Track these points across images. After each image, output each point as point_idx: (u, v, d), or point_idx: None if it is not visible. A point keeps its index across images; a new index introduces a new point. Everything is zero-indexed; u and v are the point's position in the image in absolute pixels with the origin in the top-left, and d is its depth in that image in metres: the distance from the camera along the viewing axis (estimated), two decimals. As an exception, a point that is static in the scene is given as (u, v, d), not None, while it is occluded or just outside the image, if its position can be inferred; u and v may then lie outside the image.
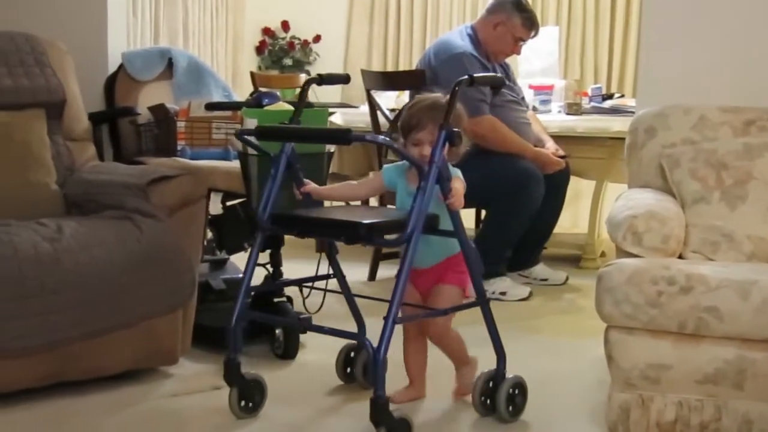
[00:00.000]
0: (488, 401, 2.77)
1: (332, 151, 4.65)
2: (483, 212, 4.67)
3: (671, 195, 2.94)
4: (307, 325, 3.00)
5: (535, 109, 4.88)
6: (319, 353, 3.30)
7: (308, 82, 2.89)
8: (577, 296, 4.43)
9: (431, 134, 2.62)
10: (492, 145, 4.25)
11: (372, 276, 4.63)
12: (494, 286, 4.27)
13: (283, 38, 7.32)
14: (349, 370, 3.04)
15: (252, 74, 6.20)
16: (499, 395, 2.73)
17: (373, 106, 4.55)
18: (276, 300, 3.32)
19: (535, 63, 5.30)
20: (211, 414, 2.77)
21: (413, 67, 4.87)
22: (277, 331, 3.26)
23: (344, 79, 2.98)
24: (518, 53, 4.53)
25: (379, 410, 2.41)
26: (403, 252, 2.49)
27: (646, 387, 2.51)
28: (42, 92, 3.41)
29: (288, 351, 3.25)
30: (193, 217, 3.10)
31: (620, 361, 2.53)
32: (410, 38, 7.29)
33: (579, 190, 5.28)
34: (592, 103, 5.04)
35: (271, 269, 3.34)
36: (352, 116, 5.10)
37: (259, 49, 7.30)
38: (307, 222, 2.70)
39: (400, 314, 2.52)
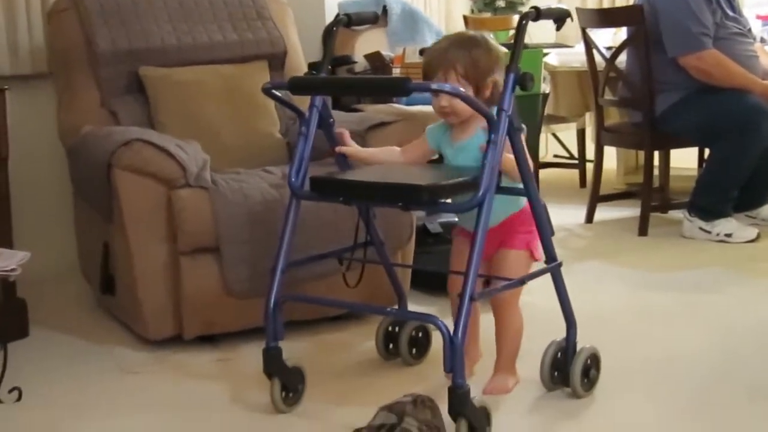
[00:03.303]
0: (556, 374, 2.48)
1: (547, 92, 4.62)
2: (706, 150, 4.48)
3: None
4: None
5: (763, 40, 4.63)
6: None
7: (524, 18, 2.33)
8: (810, 238, 4.20)
9: (442, 80, 2.36)
10: (716, 80, 4.08)
11: (590, 218, 4.56)
12: (719, 227, 4.12)
13: (496, -21, 7.24)
14: (391, 346, 2.76)
15: (465, 18, 6.19)
16: (575, 367, 2.44)
17: (589, 45, 4.44)
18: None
19: (764, -9, 5.00)
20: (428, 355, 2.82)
21: (631, 3, 4.71)
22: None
23: (564, 13, 2.50)
24: (744, -18, 4.30)
25: (460, 401, 2.11)
26: (476, 217, 2.17)
27: None
28: (265, 45, 3.56)
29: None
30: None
31: None
32: (627, -28, 7.05)
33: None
34: (828, 32, 4.72)
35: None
36: (568, 56, 5.00)
37: (472, -8, 7.27)
38: (354, 186, 2.34)
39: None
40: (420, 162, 2.59)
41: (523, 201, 2.45)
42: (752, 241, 4.11)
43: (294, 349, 2.68)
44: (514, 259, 2.47)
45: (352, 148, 2.57)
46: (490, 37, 2.57)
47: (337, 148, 2.54)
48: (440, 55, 2.42)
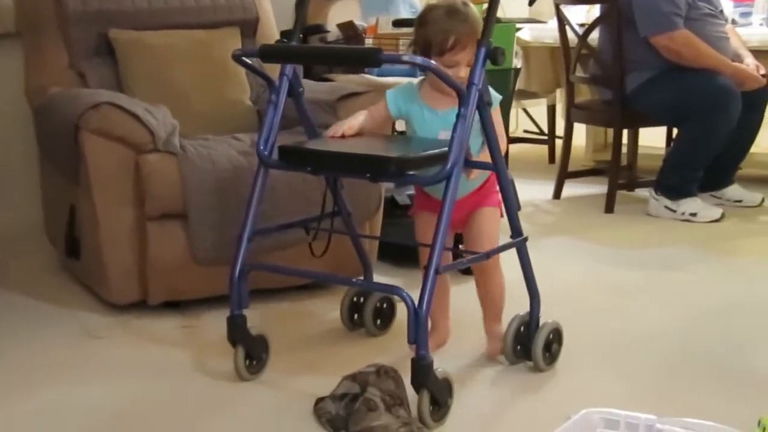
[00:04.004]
0: (518, 347, 2.50)
1: (519, 67, 4.62)
2: (674, 130, 4.51)
3: None
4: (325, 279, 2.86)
5: (734, 22, 4.65)
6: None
7: None
8: (773, 219, 4.26)
9: (470, 54, 2.29)
10: (687, 61, 4.10)
11: (557, 194, 4.59)
12: (684, 206, 4.16)
13: (471, -48, 7.20)
14: (355, 316, 2.78)
15: (439, -10, 6.16)
16: (537, 342, 2.46)
17: (562, 21, 4.45)
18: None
19: (737, -27, 5.02)
20: (392, 326, 2.84)
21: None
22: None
23: None
24: (717, -38, 4.31)
25: (423, 372, 2.13)
26: (443, 190, 2.17)
27: None
28: (237, 11, 3.53)
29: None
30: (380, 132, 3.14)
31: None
32: (602, -51, 7.04)
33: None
34: (798, 15, 4.75)
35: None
36: (541, 32, 5.00)
37: (447, -36, 7.23)
38: (322, 157, 2.33)
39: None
40: (381, 127, 2.56)
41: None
42: (716, 221, 4.15)
43: (258, 318, 2.68)
44: (491, 215, 2.50)
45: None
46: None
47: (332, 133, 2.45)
48: (466, 26, 2.33)
